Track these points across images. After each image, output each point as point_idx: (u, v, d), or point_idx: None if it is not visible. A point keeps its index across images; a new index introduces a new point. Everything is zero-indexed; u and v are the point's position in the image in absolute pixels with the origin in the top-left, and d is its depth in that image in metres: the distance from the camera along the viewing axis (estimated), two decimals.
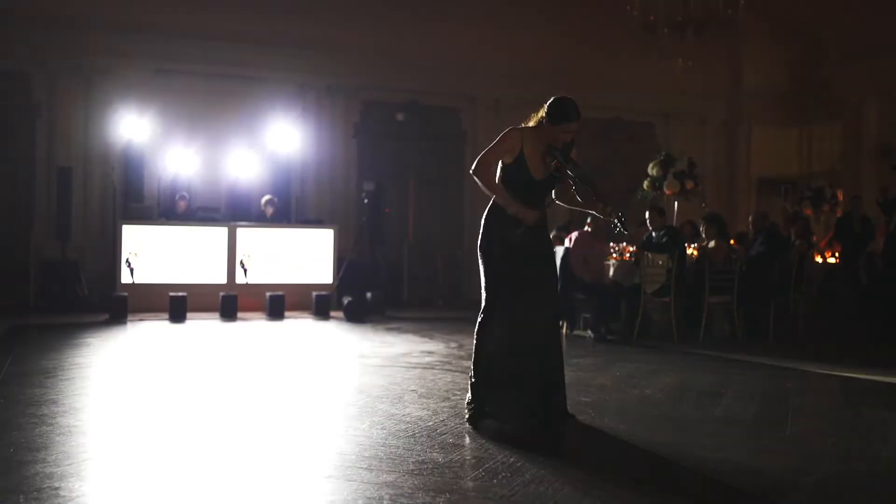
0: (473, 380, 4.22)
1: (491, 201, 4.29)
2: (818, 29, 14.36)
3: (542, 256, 4.30)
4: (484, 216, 4.31)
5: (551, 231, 10.00)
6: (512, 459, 3.37)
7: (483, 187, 4.24)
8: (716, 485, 3.06)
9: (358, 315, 10.25)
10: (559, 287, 8.49)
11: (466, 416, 4.21)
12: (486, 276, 4.23)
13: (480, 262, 4.27)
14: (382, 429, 3.99)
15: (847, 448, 3.68)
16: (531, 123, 4.27)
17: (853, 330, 9.07)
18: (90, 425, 4.11)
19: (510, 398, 4.09)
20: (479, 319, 4.25)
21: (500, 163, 4.24)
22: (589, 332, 8.45)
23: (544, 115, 4.20)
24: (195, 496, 2.92)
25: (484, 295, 4.24)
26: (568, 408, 4.30)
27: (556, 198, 4.42)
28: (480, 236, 4.29)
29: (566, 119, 4.15)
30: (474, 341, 4.25)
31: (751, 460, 3.42)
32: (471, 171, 4.22)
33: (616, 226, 4.12)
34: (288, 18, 12.86)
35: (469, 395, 4.25)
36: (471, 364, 4.26)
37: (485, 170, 4.18)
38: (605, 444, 3.71)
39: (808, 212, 11.87)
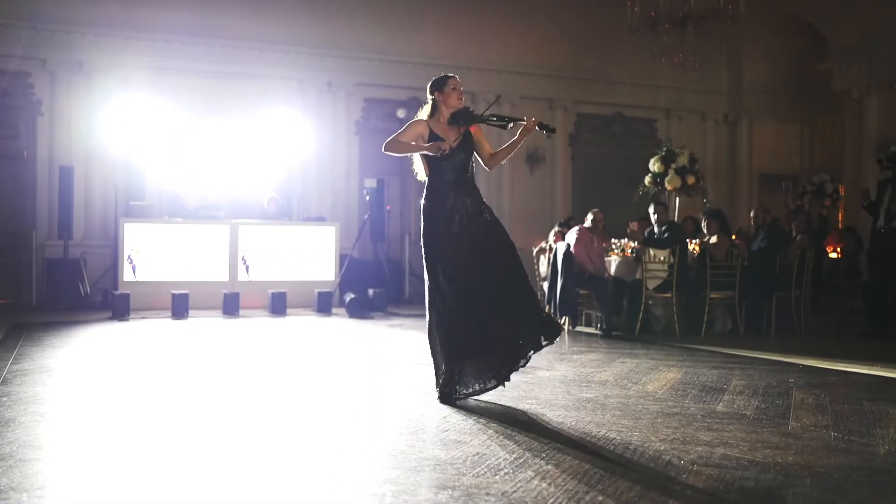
0: (433, 359, 4.56)
1: (422, 199, 4.68)
2: (818, 22, 14.33)
3: (478, 235, 4.57)
4: (422, 214, 4.68)
5: (553, 227, 10.10)
6: (514, 456, 3.38)
7: (398, 153, 4.72)
8: (718, 480, 3.07)
9: (360, 312, 10.26)
10: (553, 279, 8.57)
11: (438, 396, 4.52)
12: (425, 261, 4.58)
13: (422, 250, 4.61)
14: (385, 425, 4.00)
15: (849, 443, 3.69)
16: (424, 115, 4.70)
17: (854, 325, 9.07)
18: (93, 423, 4.12)
19: (472, 365, 4.46)
20: (426, 304, 4.60)
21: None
22: (600, 325, 8.45)
23: (433, 96, 4.65)
24: (199, 493, 2.93)
25: (426, 276, 4.56)
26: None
27: (486, 162, 4.76)
28: (421, 229, 4.65)
29: (446, 79, 4.68)
30: (426, 325, 4.61)
31: (753, 455, 3.42)
32: (383, 150, 4.67)
33: (544, 132, 4.56)
34: (287, 15, 12.86)
35: (435, 376, 4.57)
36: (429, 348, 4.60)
37: (393, 145, 4.65)
38: (607, 440, 3.72)
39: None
